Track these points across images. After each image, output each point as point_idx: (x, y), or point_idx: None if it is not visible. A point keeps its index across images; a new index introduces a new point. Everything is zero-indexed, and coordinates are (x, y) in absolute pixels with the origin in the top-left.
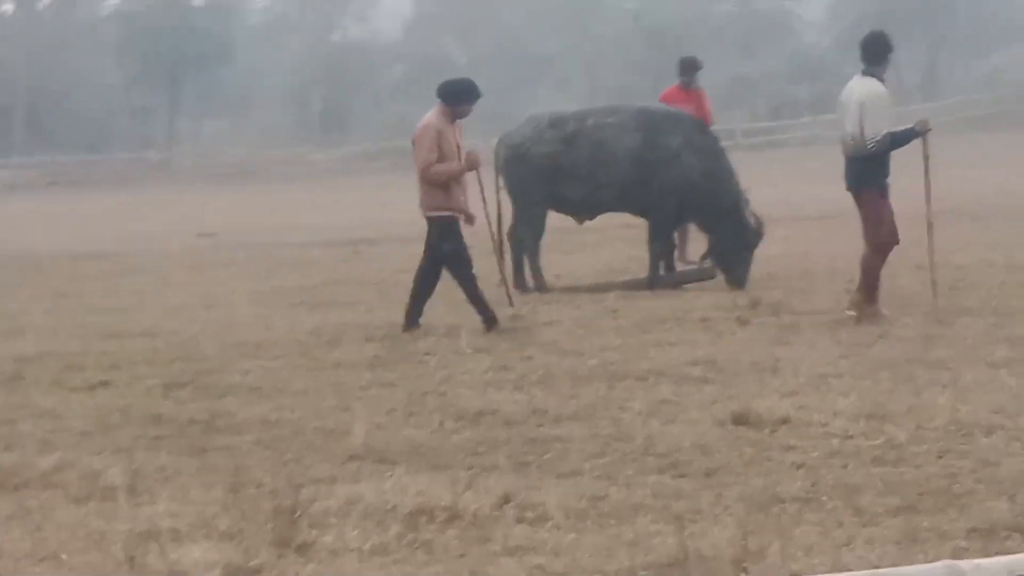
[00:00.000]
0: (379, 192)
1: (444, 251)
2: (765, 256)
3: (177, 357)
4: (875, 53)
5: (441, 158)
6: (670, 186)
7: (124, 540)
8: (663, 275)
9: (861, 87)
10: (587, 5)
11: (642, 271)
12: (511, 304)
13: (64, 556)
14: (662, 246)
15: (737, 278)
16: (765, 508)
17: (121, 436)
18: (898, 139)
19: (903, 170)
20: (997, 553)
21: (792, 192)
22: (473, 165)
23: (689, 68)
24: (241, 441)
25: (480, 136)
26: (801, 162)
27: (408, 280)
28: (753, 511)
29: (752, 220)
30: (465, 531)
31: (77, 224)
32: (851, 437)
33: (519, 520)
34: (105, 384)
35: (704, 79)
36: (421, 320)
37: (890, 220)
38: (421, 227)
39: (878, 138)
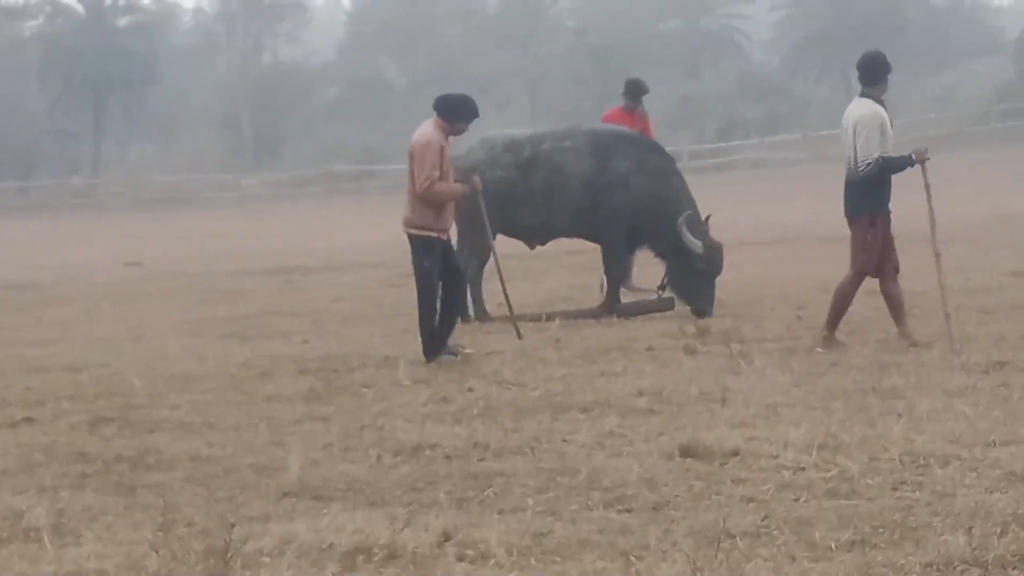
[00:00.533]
0: (313, 218)
1: (425, 268)
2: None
3: (103, 392)
4: (872, 74)
5: (441, 177)
6: (619, 210)
7: None
8: (622, 304)
9: (856, 109)
10: (529, 23)
11: (587, 299)
12: (519, 336)
13: None
14: (619, 272)
15: (701, 306)
16: (715, 543)
17: (45, 475)
18: (890, 165)
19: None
20: None
21: (741, 215)
22: (476, 189)
23: (635, 91)
24: (171, 478)
25: None
26: (750, 184)
27: (343, 309)
28: (702, 546)
29: (699, 244)
30: (404, 570)
31: None
32: (803, 469)
33: (460, 558)
34: (28, 420)
35: (650, 99)
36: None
37: (875, 250)
38: (356, 255)
39: (869, 161)
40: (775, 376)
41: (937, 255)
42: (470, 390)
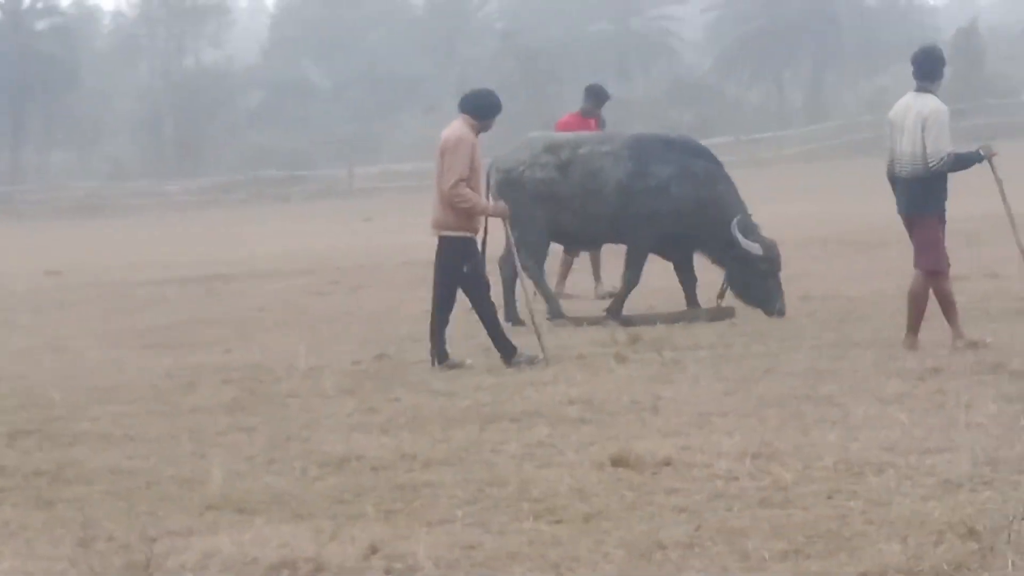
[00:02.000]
0: (236, 226)
1: (464, 273)
2: (647, 289)
3: (22, 404)
4: (930, 69)
5: (473, 176)
6: (653, 216)
7: None
8: (684, 311)
9: (921, 103)
10: (455, 25)
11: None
12: (544, 357)
13: None
14: (636, 278)
15: (774, 307)
16: (647, 554)
17: None
18: (962, 160)
19: (801, 197)
20: None
21: None
22: (503, 214)
23: (596, 97)
24: (91, 492)
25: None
26: None
27: (268, 318)
28: (634, 558)
29: (758, 245)
30: None
31: None
32: (736, 478)
33: (387, 571)
34: None
35: (579, 102)
36: (448, 349)
37: (943, 248)
38: (281, 262)
39: (943, 156)
40: (708, 384)
41: (1022, 251)
42: (397, 400)
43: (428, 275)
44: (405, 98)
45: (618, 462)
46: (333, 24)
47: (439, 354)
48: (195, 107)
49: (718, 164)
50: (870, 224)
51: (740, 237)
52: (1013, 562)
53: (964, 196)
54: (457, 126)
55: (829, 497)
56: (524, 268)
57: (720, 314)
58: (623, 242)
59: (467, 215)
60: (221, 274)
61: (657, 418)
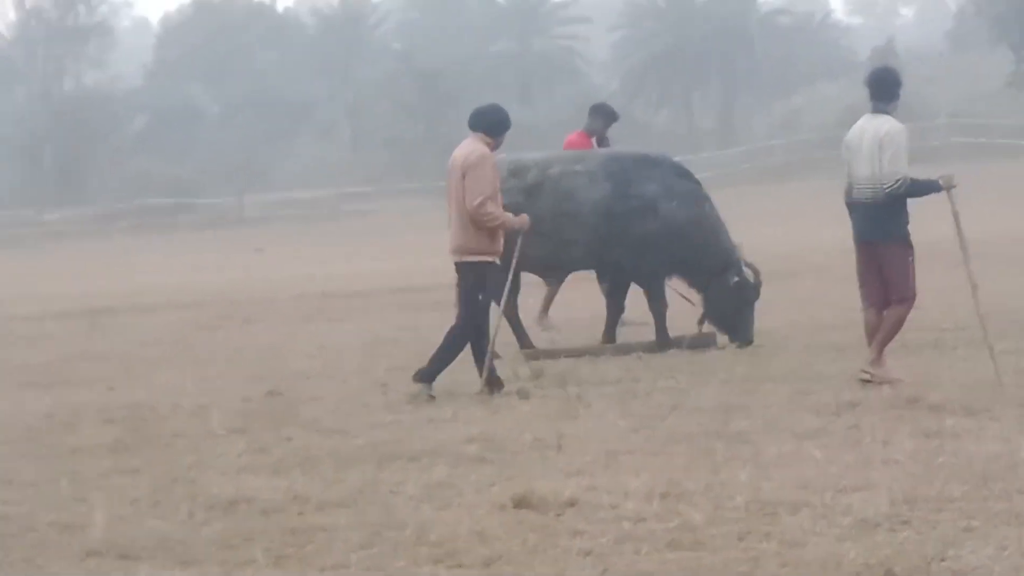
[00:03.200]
0: (121, 257)
1: (479, 299)
2: (552, 320)
3: None
4: (886, 90)
5: (495, 194)
6: (649, 238)
7: None
8: (669, 339)
9: (877, 124)
10: (350, 47)
11: (415, 342)
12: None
13: None
14: (663, 307)
15: (746, 336)
16: None
17: None
18: (918, 186)
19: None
20: None
21: None
22: (525, 227)
23: (603, 116)
24: None
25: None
26: None
27: (153, 353)
28: None
29: (748, 271)
30: None
31: None
32: (643, 520)
33: None
34: None
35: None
36: (498, 373)
37: (913, 273)
38: (167, 295)
39: (899, 179)
40: (614, 420)
41: (974, 286)
42: (289, 439)
43: (323, 308)
44: (297, 122)
45: (520, 503)
46: (221, 45)
47: (492, 381)
48: (76, 132)
49: (698, 183)
50: (782, 253)
51: (744, 263)
52: None
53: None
54: (473, 145)
55: (741, 539)
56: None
57: (702, 341)
58: (597, 268)
59: (491, 237)
60: (104, 307)
61: (561, 457)
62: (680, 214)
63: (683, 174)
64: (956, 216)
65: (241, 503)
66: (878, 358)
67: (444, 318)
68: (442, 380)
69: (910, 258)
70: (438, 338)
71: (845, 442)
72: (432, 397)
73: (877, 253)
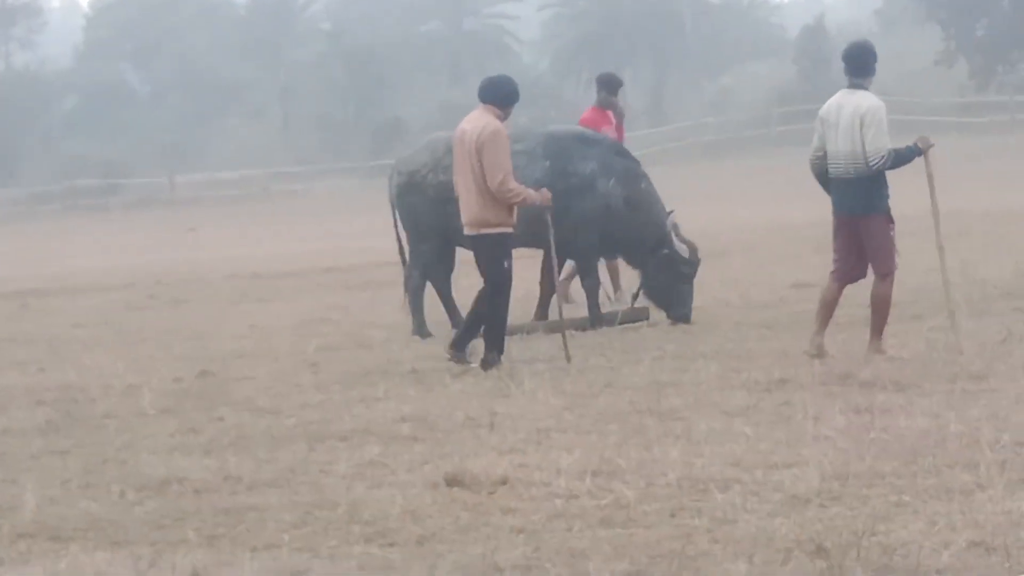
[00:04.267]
0: (51, 238)
1: (504, 268)
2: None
3: None
4: (862, 64)
5: (511, 170)
6: (587, 216)
7: None
8: (602, 315)
9: (856, 100)
10: (279, 27)
11: (344, 320)
12: (568, 359)
13: None
14: (595, 282)
15: (683, 313)
16: None
17: None
18: (901, 156)
19: None
20: None
21: None
22: (546, 202)
23: (612, 85)
24: None
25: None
26: None
27: (83, 335)
28: None
29: (684, 247)
30: None
31: None
32: (576, 497)
33: None
34: None
35: (411, 105)
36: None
37: (895, 247)
38: (97, 276)
39: (883, 154)
40: (546, 399)
41: (940, 248)
42: (220, 419)
43: (254, 288)
44: (228, 103)
45: (453, 482)
46: (151, 26)
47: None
48: (5, 114)
49: (636, 161)
50: (712, 231)
51: (675, 237)
52: None
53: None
54: (483, 117)
55: (673, 515)
56: (407, 277)
57: (635, 315)
58: (538, 246)
59: (508, 210)
60: (34, 289)
61: (493, 435)
62: (617, 192)
63: (621, 152)
64: (930, 178)
65: (173, 483)
66: (879, 343)
67: (374, 297)
68: (376, 359)
69: (891, 231)
70: (369, 317)
71: (776, 419)
72: (469, 364)
73: (859, 227)
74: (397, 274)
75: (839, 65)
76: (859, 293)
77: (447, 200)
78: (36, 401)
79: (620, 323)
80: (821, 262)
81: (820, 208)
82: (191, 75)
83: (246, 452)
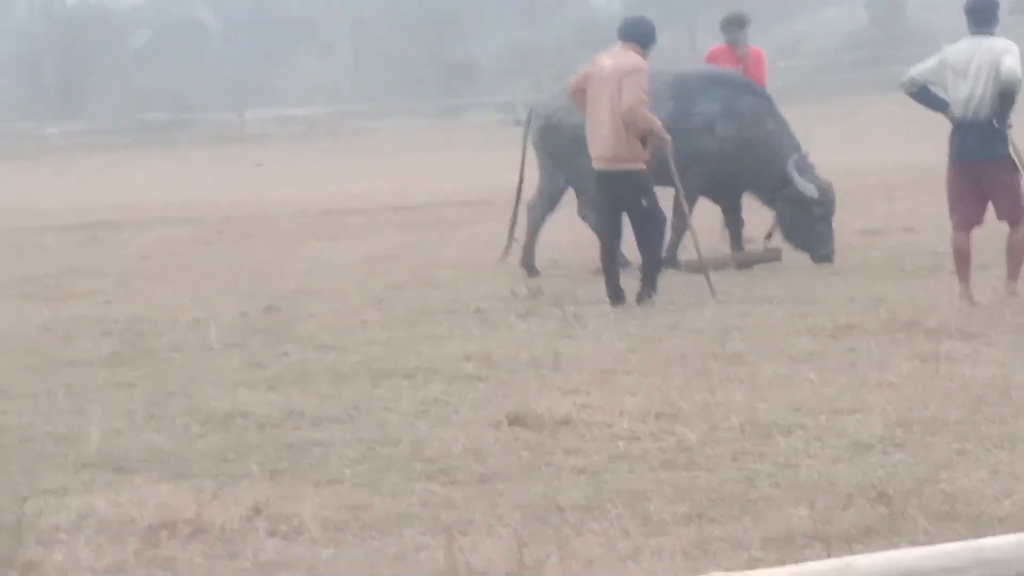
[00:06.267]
0: (120, 171)
1: (644, 207)
2: (547, 242)
3: None
4: (988, 16)
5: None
6: (698, 157)
7: None
8: (733, 254)
9: (989, 44)
10: None
11: (414, 257)
12: (713, 294)
13: None
14: (684, 224)
15: (824, 253)
16: (543, 517)
17: None
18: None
19: None
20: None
21: None
22: (667, 144)
23: (734, 25)
24: None
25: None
26: None
27: (151, 268)
28: (530, 521)
29: (812, 187)
30: (211, 546)
31: None
32: (638, 439)
33: (271, 533)
34: None
35: (485, 45)
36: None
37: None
38: (166, 210)
39: (1018, 77)
40: (611, 340)
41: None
42: (285, 354)
43: (321, 225)
44: (299, 40)
45: (515, 421)
46: None
47: (615, 294)
48: (77, 47)
49: (768, 100)
50: None
51: (796, 177)
52: (924, 527)
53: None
54: (626, 54)
55: (735, 459)
56: (583, 218)
57: (768, 256)
58: (670, 184)
59: (641, 145)
60: (103, 222)
61: (557, 376)
62: (736, 134)
63: (750, 91)
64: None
65: (237, 417)
66: (1015, 288)
67: (441, 236)
68: (441, 298)
69: (1019, 177)
70: (435, 256)
71: (840, 365)
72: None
73: (982, 173)
74: (466, 213)
75: (913, 14)
76: (924, 241)
77: (581, 142)
78: (103, 333)
79: (752, 264)
80: (889, 210)
81: (890, 156)
82: (261, 11)
83: (310, 388)
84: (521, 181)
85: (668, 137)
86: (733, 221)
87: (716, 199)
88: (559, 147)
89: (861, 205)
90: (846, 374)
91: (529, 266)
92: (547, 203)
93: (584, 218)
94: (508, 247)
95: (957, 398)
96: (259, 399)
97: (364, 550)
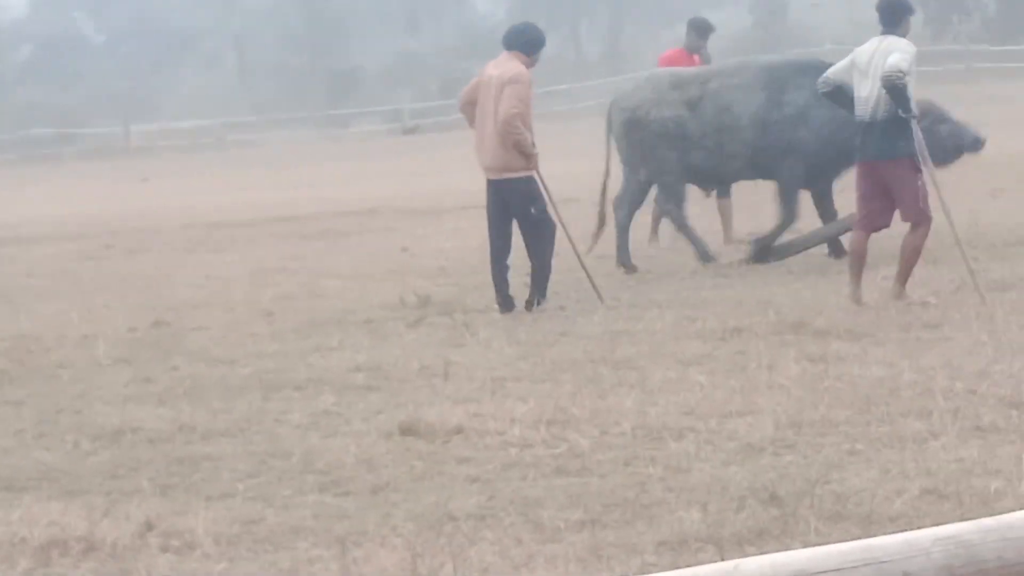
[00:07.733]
0: (4, 188)
1: (532, 214)
2: (436, 249)
3: None
4: (893, 16)
5: (527, 114)
6: (796, 146)
7: None
8: (802, 237)
9: (887, 44)
10: None
11: (300, 271)
12: (601, 300)
13: None
14: (791, 217)
15: (973, 139)
16: (437, 527)
17: None
18: (906, 98)
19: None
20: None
21: (463, 179)
22: (534, 163)
23: (702, 30)
24: None
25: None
26: (471, 146)
27: (37, 284)
28: (424, 530)
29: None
30: (103, 564)
31: None
32: (530, 446)
33: (164, 549)
34: None
35: (368, 55)
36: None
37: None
38: (52, 226)
39: (900, 72)
40: (501, 348)
41: (947, 212)
42: (175, 368)
43: (209, 238)
44: (183, 52)
45: (407, 431)
46: None
47: (505, 302)
48: None
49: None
50: None
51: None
52: (815, 527)
53: None
54: (510, 62)
55: (627, 464)
56: (665, 212)
57: (840, 227)
58: (762, 177)
59: (525, 154)
60: None
61: (448, 384)
62: (829, 119)
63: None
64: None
65: (127, 433)
66: (902, 290)
67: (330, 247)
68: (331, 309)
69: (919, 179)
70: (324, 266)
71: (730, 368)
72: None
73: (884, 173)
74: (354, 223)
75: (794, 16)
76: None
77: (672, 135)
78: None
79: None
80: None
81: None
82: (145, 23)
83: (200, 402)
84: (607, 175)
85: (536, 152)
86: (827, 206)
87: (811, 186)
88: (644, 141)
89: (749, 209)
90: (736, 377)
91: (626, 263)
92: (633, 198)
93: (666, 213)
94: (594, 242)
95: (846, 398)
96: (149, 414)
97: (257, 564)
